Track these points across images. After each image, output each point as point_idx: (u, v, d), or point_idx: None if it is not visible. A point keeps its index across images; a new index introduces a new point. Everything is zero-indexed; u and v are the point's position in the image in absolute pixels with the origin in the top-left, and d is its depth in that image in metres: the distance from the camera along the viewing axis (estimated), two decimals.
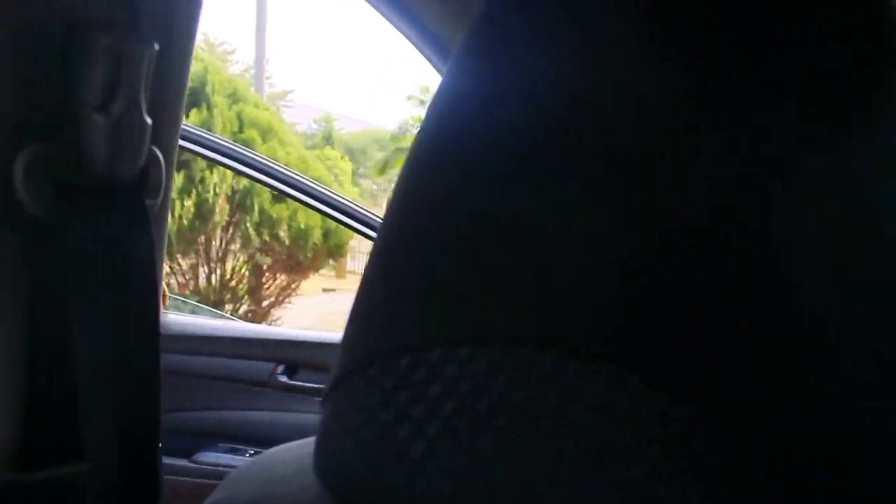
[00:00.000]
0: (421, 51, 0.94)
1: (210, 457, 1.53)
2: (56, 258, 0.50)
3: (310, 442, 0.27)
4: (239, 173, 1.67)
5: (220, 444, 1.57)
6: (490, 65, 0.26)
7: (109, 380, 0.51)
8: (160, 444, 0.53)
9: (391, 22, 0.88)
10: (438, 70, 0.96)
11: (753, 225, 0.22)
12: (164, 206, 0.55)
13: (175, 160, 0.57)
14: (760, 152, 0.22)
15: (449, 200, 0.25)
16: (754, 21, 0.23)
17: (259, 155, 1.67)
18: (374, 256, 0.27)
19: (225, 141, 1.62)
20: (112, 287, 0.50)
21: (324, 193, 1.67)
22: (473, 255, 0.24)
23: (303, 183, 1.67)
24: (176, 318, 1.73)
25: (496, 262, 0.23)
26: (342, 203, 1.67)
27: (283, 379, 1.58)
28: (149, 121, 0.49)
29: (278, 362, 1.59)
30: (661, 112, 0.23)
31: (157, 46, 0.48)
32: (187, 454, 1.52)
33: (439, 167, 0.26)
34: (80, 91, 0.46)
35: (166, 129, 0.53)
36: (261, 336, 1.67)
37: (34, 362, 0.51)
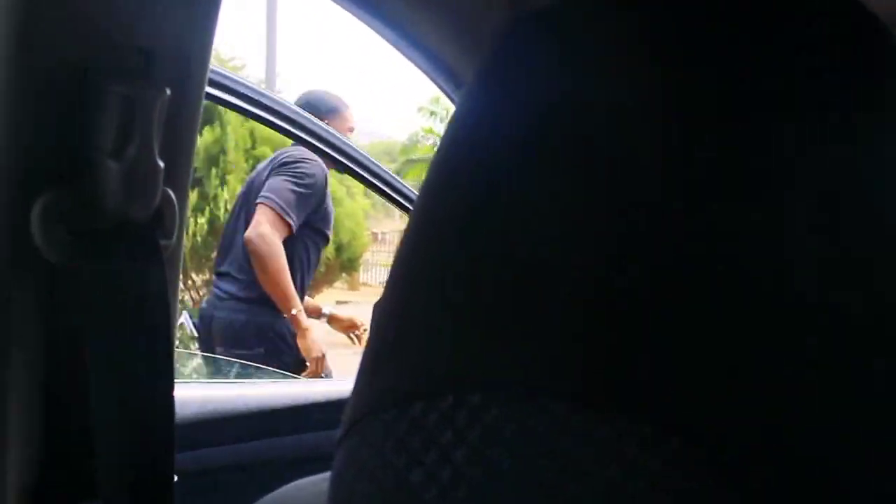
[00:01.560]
0: (428, 75, 0.94)
1: None
2: (72, 301, 0.50)
3: (325, 478, 0.27)
4: (274, 128, 1.39)
5: None
6: (500, 97, 0.26)
7: (125, 419, 0.51)
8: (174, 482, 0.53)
9: (399, 50, 0.88)
10: (444, 91, 0.96)
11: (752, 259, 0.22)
12: (178, 245, 0.55)
13: (188, 199, 0.57)
14: (751, 165, 0.22)
15: (458, 243, 0.25)
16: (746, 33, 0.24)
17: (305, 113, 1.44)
18: (386, 296, 0.27)
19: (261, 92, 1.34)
20: (127, 328, 0.51)
21: (380, 168, 1.47)
22: (482, 300, 0.23)
23: (357, 153, 1.44)
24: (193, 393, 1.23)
25: (507, 307, 0.23)
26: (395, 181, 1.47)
27: None
28: (161, 164, 0.50)
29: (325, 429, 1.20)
30: (665, 142, 0.23)
31: (168, 91, 0.49)
32: None
33: (448, 206, 0.26)
34: (94, 138, 0.47)
35: (179, 170, 0.54)
36: (296, 401, 1.26)
37: (50, 404, 0.52)
